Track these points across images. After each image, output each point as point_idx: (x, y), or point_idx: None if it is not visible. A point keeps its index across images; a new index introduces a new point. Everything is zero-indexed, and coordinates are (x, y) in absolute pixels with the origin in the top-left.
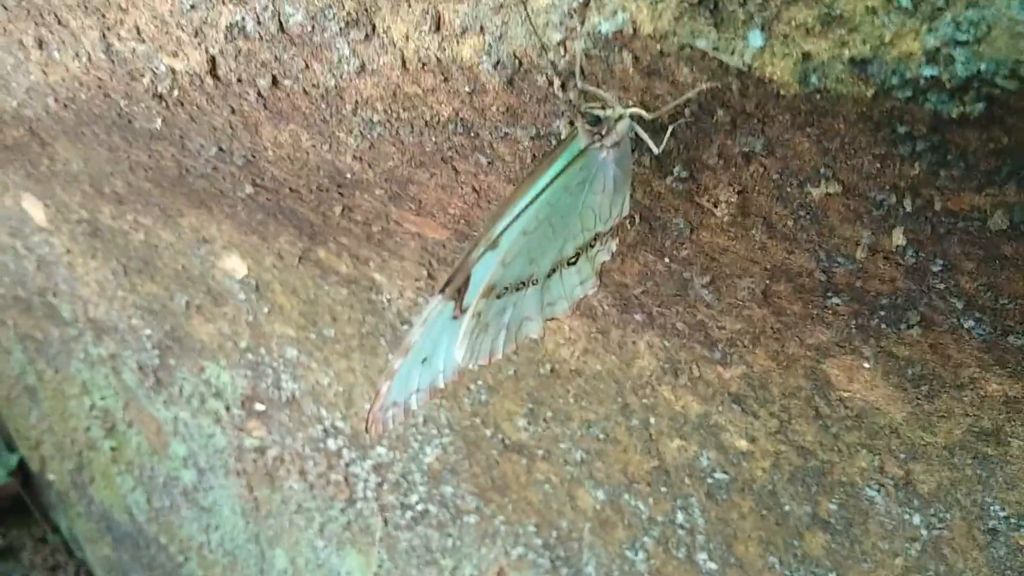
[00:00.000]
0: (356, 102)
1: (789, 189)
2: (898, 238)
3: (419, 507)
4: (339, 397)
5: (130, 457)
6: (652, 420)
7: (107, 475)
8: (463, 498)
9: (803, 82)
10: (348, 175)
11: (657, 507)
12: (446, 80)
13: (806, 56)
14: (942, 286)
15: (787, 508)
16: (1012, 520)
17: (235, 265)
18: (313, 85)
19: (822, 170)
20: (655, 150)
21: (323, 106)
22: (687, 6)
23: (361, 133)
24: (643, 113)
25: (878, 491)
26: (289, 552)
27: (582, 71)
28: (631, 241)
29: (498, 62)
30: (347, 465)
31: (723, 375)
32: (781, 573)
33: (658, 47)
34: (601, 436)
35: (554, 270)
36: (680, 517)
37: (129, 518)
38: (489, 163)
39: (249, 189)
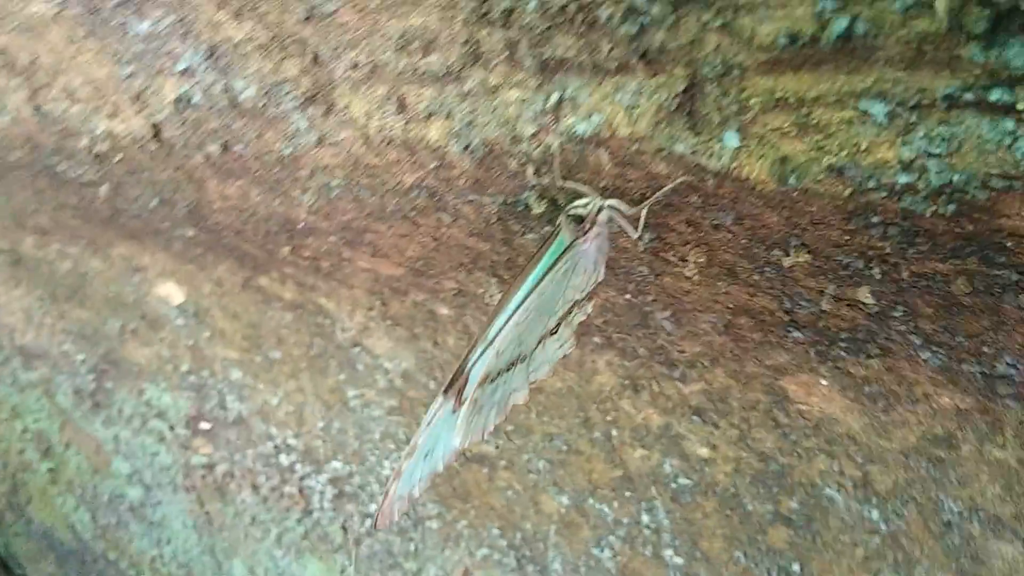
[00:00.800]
0: (313, 168)
1: (756, 251)
2: (864, 295)
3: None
4: (290, 416)
5: (70, 477)
6: (614, 432)
7: (46, 495)
8: (424, 505)
9: (781, 181)
10: (300, 224)
11: (622, 510)
12: (411, 155)
13: (784, 159)
14: (902, 327)
15: (749, 508)
16: (965, 514)
17: (171, 292)
18: (267, 152)
19: (791, 240)
20: (633, 236)
21: (276, 169)
22: (665, 113)
23: (317, 193)
24: (621, 206)
25: (837, 491)
26: (247, 562)
27: (560, 168)
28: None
29: (468, 146)
30: (301, 479)
31: (683, 390)
32: (746, 566)
33: (635, 147)
34: (564, 447)
35: (538, 343)
36: (645, 518)
37: (73, 536)
38: (453, 220)
39: (191, 232)
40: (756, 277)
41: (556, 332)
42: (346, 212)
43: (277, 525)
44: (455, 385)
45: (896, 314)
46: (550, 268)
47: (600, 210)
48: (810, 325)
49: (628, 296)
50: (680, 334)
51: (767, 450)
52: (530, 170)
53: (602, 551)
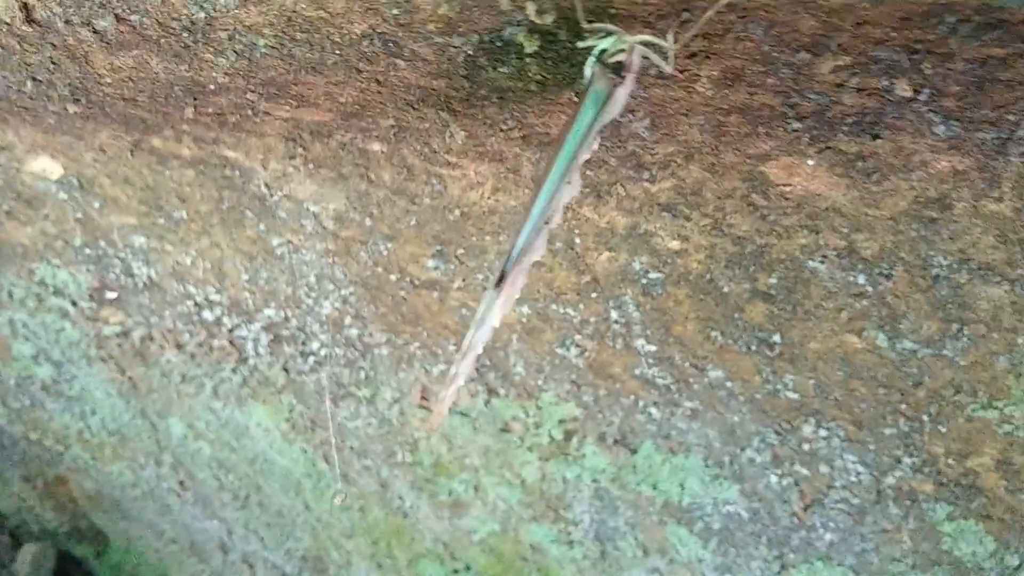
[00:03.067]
0: (233, 30)
1: (777, 55)
2: (902, 88)
3: (323, 352)
4: (208, 273)
5: None
6: (577, 240)
7: None
8: (371, 335)
9: None
10: (211, 86)
11: (588, 310)
12: (364, 3)
13: None
14: (923, 108)
15: (725, 289)
16: (954, 266)
17: (46, 166)
18: (174, 18)
19: (826, 42)
20: (668, 70)
21: (186, 35)
22: None
23: (238, 54)
24: (657, 40)
25: (821, 262)
26: (184, 419)
27: (581, 7)
28: (548, 91)
29: None
30: (231, 330)
31: (651, 190)
32: (723, 343)
33: None
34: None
35: None
36: (614, 315)
37: None
38: (408, 64)
39: (73, 109)
40: (769, 79)
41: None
42: (273, 69)
43: (211, 378)
44: (504, 276)
45: (923, 98)
46: (590, 125)
47: (633, 51)
48: (813, 115)
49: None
50: (655, 138)
51: (743, 233)
52: (531, 8)
53: (568, 350)
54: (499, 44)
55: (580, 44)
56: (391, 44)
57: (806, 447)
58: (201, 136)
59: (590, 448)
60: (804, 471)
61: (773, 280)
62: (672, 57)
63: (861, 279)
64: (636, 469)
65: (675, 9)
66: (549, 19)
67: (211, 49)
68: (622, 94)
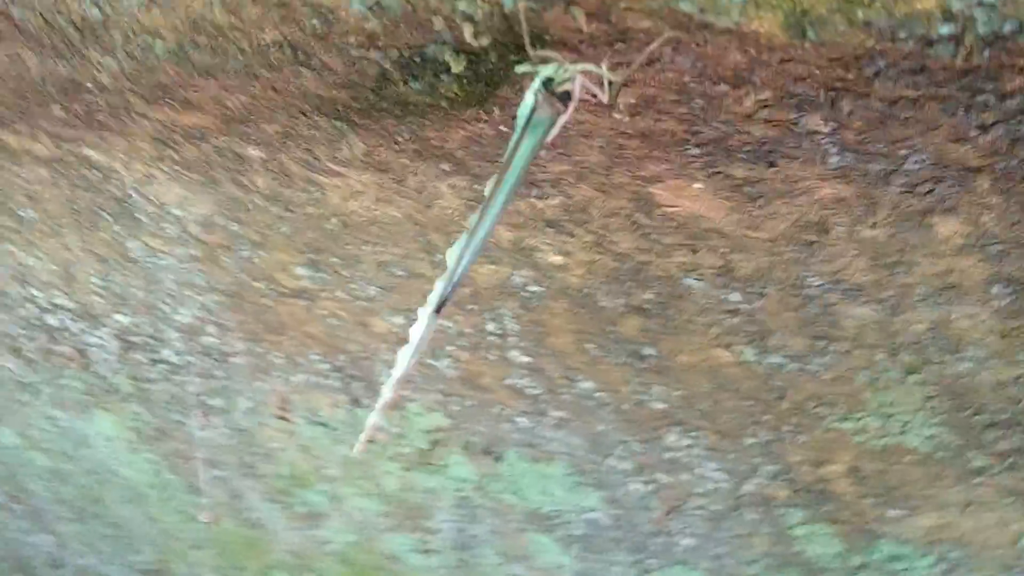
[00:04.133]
0: (130, 31)
1: (694, 86)
2: (815, 122)
3: (175, 360)
4: (54, 275)
5: None
6: None
7: None
8: (230, 344)
9: (797, 35)
10: (89, 85)
11: (466, 321)
12: (284, 11)
13: (803, 11)
14: (825, 140)
15: (602, 304)
16: (826, 287)
17: None
18: (62, 15)
19: (748, 76)
20: (605, 100)
21: (72, 33)
22: None
23: (129, 55)
24: (599, 70)
25: (697, 280)
26: (17, 427)
27: (530, 35)
28: (455, 108)
29: (376, 4)
30: (75, 336)
31: (537, 205)
32: (597, 355)
33: (622, 4)
34: (400, 273)
35: None
36: (491, 327)
37: None
38: (314, 73)
39: None
40: (680, 108)
41: None
42: (165, 73)
43: (49, 385)
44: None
45: (825, 130)
46: (533, 150)
47: (576, 80)
48: (713, 143)
49: (501, 127)
50: (550, 156)
51: (624, 250)
52: (468, 30)
53: (440, 360)
54: (417, 61)
55: (519, 69)
56: (301, 53)
57: (669, 455)
58: (60, 134)
59: (455, 458)
60: (666, 479)
61: (649, 296)
62: (615, 88)
63: (735, 296)
64: (500, 478)
65: (609, 39)
66: (485, 41)
67: (99, 49)
68: (561, 121)
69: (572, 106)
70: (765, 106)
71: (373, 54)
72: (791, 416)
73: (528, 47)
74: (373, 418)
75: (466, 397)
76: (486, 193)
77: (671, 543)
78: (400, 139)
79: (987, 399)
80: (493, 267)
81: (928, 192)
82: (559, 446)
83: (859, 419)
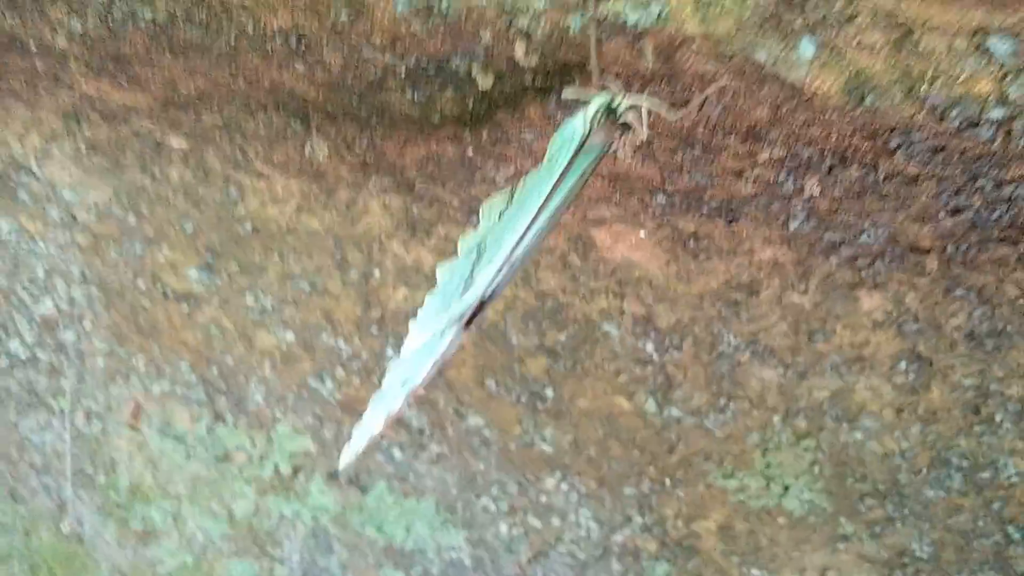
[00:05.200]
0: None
1: (703, 135)
2: (807, 186)
3: (22, 354)
4: None
5: None
6: (376, 273)
7: None
8: (90, 342)
9: (855, 100)
10: (32, 47)
11: (363, 345)
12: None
13: (862, 76)
14: (798, 205)
15: (513, 341)
16: (741, 347)
17: None
18: None
19: (766, 134)
20: (643, 136)
21: None
22: (756, 18)
23: (103, 19)
24: (664, 109)
25: (616, 327)
26: None
27: (597, 64)
28: (437, 124)
29: (426, 7)
30: None
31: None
32: (495, 392)
33: (694, 46)
34: (306, 288)
35: None
36: (390, 352)
37: None
38: (306, 68)
39: None
40: (674, 156)
41: None
42: (132, 44)
43: None
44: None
45: (808, 195)
46: (581, 180)
47: (629, 108)
48: (683, 193)
49: (470, 153)
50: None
51: (548, 289)
52: (519, 49)
53: (323, 383)
54: (432, 71)
55: (568, 93)
56: (303, 46)
57: (544, 499)
58: None
59: (317, 485)
60: (536, 523)
61: (562, 337)
62: (646, 125)
63: (649, 347)
64: (363, 510)
65: (658, 77)
66: (534, 60)
67: (67, 8)
68: (608, 152)
69: (627, 136)
70: (759, 165)
71: (387, 57)
72: (676, 469)
73: (594, 72)
74: (365, 433)
75: (343, 423)
76: (484, 216)
77: None
78: (357, 149)
79: (870, 469)
80: (407, 291)
81: (867, 266)
82: (432, 482)
83: (742, 478)
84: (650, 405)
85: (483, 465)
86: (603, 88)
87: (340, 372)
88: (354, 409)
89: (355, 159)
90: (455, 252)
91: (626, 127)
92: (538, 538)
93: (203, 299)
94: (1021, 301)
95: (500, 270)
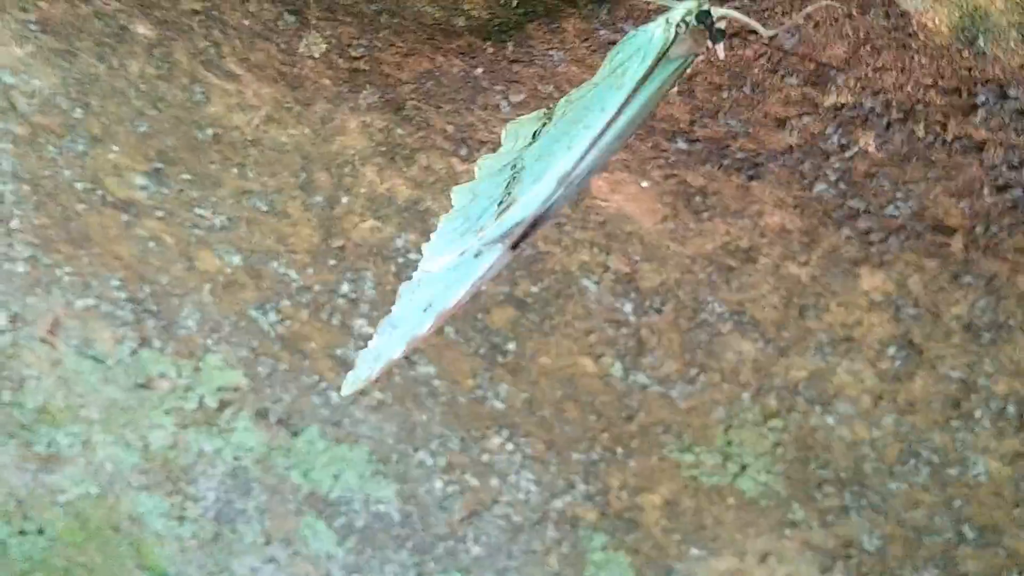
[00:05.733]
0: None
1: (760, 71)
2: (865, 140)
3: None
4: None
5: None
6: (343, 199)
7: None
8: (11, 247)
9: (965, 41)
10: None
11: (317, 277)
12: None
13: (982, 15)
14: (836, 165)
15: (481, 288)
16: (725, 315)
17: None
18: None
19: (834, 76)
20: (766, 35)
21: None
22: None
23: None
24: (754, 23)
25: (595, 282)
26: None
27: None
28: (414, 41)
29: None
30: None
31: (456, 167)
32: (454, 340)
33: None
34: (263, 207)
35: None
36: (346, 288)
37: None
38: None
39: None
40: (715, 95)
41: None
42: None
43: None
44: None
45: (853, 151)
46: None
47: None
48: (709, 140)
49: (479, 70)
50: (512, 115)
51: None
52: None
53: (265, 315)
54: None
55: None
56: None
57: (486, 458)
58: None
59: (244, 423)
60: (474, 481)
61: (535, 289)
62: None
63: (627, 307)
64: (290, 453)
65: None
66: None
67: None
68: (691, 64)
69: (721, 46)
70: (810, 113)
71: None
72: (632, 439)
73: None
74: (386, 354)
75: (280, 360)
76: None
77: (459, 549)
78: (352, 54)
79: (835, 455)
80: (376, 223)
81: (878, 242)
82: (368, 430)
83: (699, 453)
84: (616, 369)
85: (426, 417)
86: None
87: (286, 304)
88: (295, 346)
89: (344, 67)
90: (435, 184)
91: (720, 34)
92: (473, 498)
93: (146, 209)
94: None
95: (556, 189)
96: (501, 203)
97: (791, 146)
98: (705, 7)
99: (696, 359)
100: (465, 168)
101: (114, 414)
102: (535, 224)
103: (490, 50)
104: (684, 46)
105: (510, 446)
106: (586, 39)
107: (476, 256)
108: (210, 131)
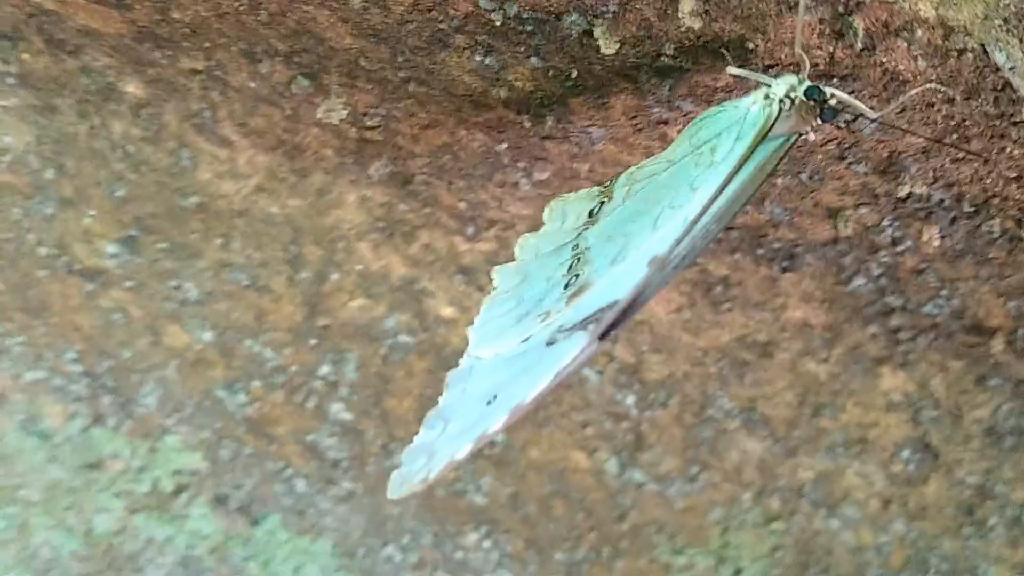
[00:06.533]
0: None
1: (823, 155)
2: (928, 233)
3: None
4: None
5: None
6: (333, 276)
7: None
8: None
9: None
10: None
11: (296, 358)
12: None
13: None
14: (882, 262)
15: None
16: (734, 411)
17: None
18: None
19: (908, 162)
20: (872, 116)
21: None
22: (1013, 8)
23: None
24: (859, 105)
25: (598, 372)
26: None
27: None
28: (438, 112)
29: None
30: None
31: (459, 246)
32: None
33: (918, 34)
34: (245, 281)
35: None
36: (326, 370)
37: None
38: (363, 4)
39: None
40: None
41: None
42: None
43: None
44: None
45: (899, 247)
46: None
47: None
48: (746, 227)
49: (500, 146)
50: (535, 193)
51: None
52: (688, 5)
53: (233, 394)
54: (528, 28)
55: (732, 70)
56: None
57: (460, 555)
58: None
59: (200, 509)
60: None
61: None
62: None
63: (629, 400)
64: (249, 543)
65: (836, 68)
66: (697, 24)
67: None
68: (796, 143)
69: (826, 124)
70: (869, 204)
71: (482, 2)
72: (621, 539)
73: (797, 44)
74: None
75: (245, 443)
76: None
77: None
78: (367, 123)
79: (837, 561)
80: (366, 302)
81: (906, 341)
82: (334, 521)
83: (692, 555)
84: (611, 465)
85: (398, 510)
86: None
87: (257, 385)
88: (262, 429)
89: (353, 136)
90: (434, 264)
91: (831, 112)
92: None
93: (114, 279)
94: None
95: (651, 273)
96: (568, 286)
97: (836, 238)
98: (811, 83)
99: (698, 456)
100: (468, 247)
101: (57, 495)
102: (626, 312)
103: (527, 124)
104: (788, 124)
105: (488, 543)
106: (634, 117)
107: (549, 345)
108: (195, 199)
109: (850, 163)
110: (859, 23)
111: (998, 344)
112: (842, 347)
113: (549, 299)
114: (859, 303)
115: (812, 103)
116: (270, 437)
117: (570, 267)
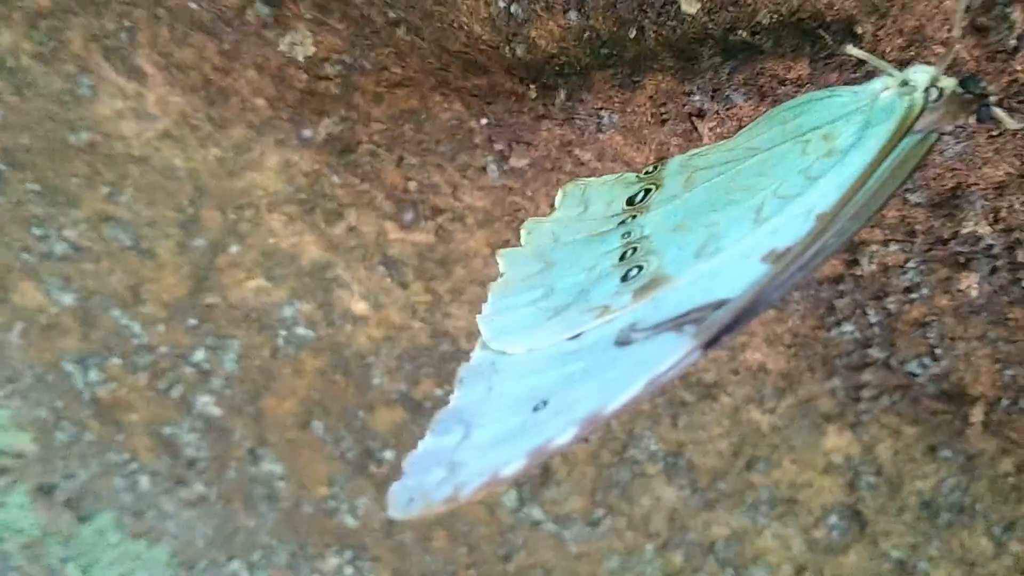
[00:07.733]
0: None
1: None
2: (967, 281)
3: None
4: None
5: None
6: (233, 248)
7: None
8: None
9: None
10: None
11: (168, 337)
12: None
13: None
14: (885, 308)
15: (375, 381)
16: (658, 455)
17: None
18: None
19: (971, 197)
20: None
21: None
22: None
23: None
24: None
25: None
26: None
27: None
28: (417, 68)
29: None
30: None
31: (389, 234)
32: (318, 438)
33: None
34: (126, 241)
35: None
36: (200, 356)
37: None
38: None
39: None
40: None
41: None
42: None
43: None
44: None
45: (913, 294)
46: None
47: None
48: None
49: (477, 123)
50: (502, 183)
51: (449, 329)
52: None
53: (86, 371)
54: None
55: (852, 50)
56: None
57: None
58: None
59: (19, 498)
60: None
61: (440, 392)
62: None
63: None
64: (71, 542)
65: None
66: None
67: None
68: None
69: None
70: (901, 242)
71: None
72: None
73: (956, 27)
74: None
75: (88, 428)
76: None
77: None
78: (326, 71)
79: None
80: (265, 283)
81: (868, 399)
82: (177, 527)
83: None
84: (509, 498)
85: (254, 523)
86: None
87: (115, 363)
88: (112, 415)
89: (299, 87)
90: (355, 250)
91: (986, 110)
92: None
93: None
94: (1010, 480)
95: (773, 271)
96: (627, 278)
97: (842, 275)
98: (968, 75)
99: (606, 499)
100: (400, 236)
101: None
102: (741, 316)
103: (531, 95)
104: (931, 118)
105: (349, 570)
106: (663, 104)
107: (621, 345)
108: (85, 136)
109: (905, 190)
110: (1018, 16)
111: (977, 413)
112: (793, 398)
113: (601, 291)
114: (831, 352)
115: (969, 97)
116: (119, 424)
117: (622, 256)
